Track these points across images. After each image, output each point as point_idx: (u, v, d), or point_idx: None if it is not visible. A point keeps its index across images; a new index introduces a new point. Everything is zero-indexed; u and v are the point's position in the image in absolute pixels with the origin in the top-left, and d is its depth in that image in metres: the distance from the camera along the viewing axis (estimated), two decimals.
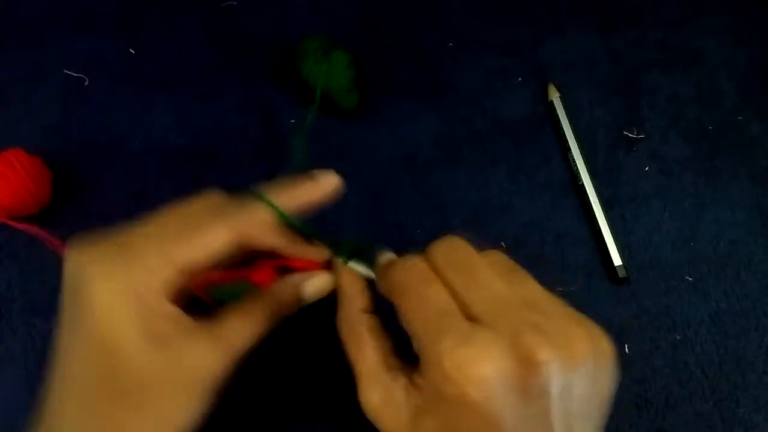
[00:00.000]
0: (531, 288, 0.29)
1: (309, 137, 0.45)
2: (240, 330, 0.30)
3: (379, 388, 0.29)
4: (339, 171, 0.45)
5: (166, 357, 0.28)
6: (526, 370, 0.25)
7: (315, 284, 0.32)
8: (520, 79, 0.48)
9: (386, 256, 0.32)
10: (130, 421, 0.28)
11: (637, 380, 0.41)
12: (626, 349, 0.42)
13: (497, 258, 0.30)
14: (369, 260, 0.33)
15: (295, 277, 0.32)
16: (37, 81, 0.47)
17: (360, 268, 0.33)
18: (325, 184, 0.33)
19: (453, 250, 0.29)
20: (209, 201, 0.31)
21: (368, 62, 0.48)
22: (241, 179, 0.44)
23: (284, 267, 0.32)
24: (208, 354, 0.29)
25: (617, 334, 0.42)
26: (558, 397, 0.26)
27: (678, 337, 0.42)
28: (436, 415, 0.27)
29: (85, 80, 0.47)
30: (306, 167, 0.34)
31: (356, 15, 0.50)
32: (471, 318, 0.27)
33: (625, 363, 0.41)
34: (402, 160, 0.46)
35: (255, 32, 0.49)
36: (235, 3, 0.49)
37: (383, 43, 0.49)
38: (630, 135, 0.47)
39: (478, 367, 0.25)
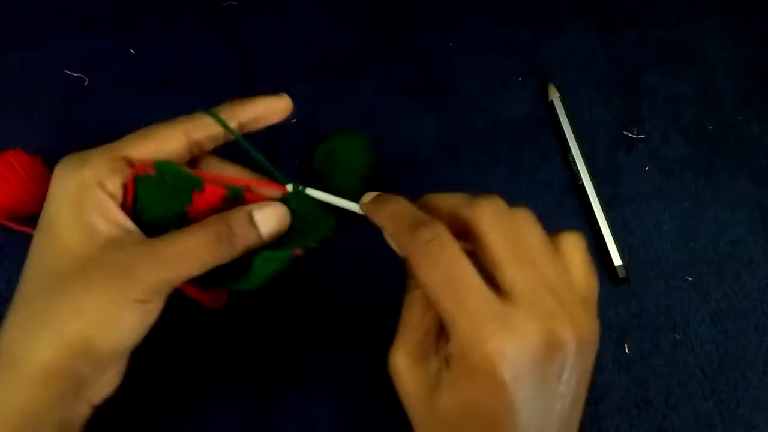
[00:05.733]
0: (558, 262, 0.28)
1: (309, 138, 0.45)
2: (187, 252, 0.29)
3: (410, 352, 0.29)
4: None
5: (100, 252, 0.28)
6: (552, 353, 0.26)
7: (267, 213, 0.31)
8: (520, 79, 0.48)
9: (371, 195, 0.33)
10: (57, 311, 0.28)
11: (637, 380, 0.41)
12: (626, 349, 0.42)
13: (535, 227, 0.28)
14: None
15: (248, 205, 0.32)
16: (37, 81, 0.47)
17: (321, 195, 0.33)
18: (273, 102, 0.34)
19: (503, 215, 0.28)
20: (170, 119, 0.32)
21: (368, 62, 0.48)
22: None
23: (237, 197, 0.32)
24: (145, 268, 0.28)
25: (617, 334, 0.42)
26: (565, 381, 0.26)
27: (678, 337, 0.42)
28: (456, 391, 0.27)
29: (85, 80, 0.47)
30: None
31: (356, 15, 0.50)
32: (503, 290, 0.26)
33: (625, 363, 0.41)
34: (402, 160, 0.46)
35: (255, 33, 0.49)
36: (235, 3, 0.49)
37: (383, 43, 0.49)
38: (630, 135, 0.47)
39: (515, 351, 0.25)
